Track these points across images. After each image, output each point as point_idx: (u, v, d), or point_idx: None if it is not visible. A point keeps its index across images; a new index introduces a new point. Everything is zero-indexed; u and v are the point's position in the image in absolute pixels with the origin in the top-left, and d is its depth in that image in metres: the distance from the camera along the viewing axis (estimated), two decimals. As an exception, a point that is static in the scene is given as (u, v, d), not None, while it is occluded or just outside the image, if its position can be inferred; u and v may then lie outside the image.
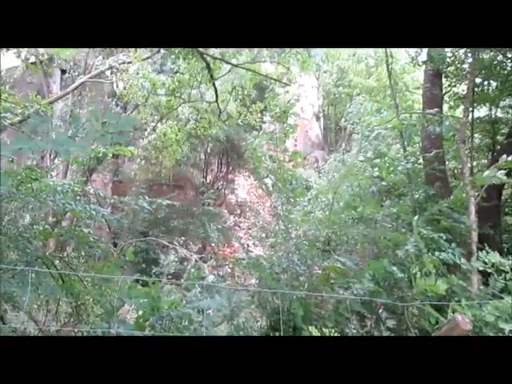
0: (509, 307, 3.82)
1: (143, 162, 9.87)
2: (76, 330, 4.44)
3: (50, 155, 11.68)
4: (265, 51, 7.09)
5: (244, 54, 7.03)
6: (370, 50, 14.55)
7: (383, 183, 6.14)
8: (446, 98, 7.15)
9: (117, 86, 9.98)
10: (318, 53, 14.88)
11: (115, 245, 11.40)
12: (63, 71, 12.34)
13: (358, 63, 14.29)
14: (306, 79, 17.49)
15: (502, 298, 3.92)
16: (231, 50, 6.70)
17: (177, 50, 5.52)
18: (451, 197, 4.68)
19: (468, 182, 4.61)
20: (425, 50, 6.49)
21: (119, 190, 13.25)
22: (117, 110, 10.08)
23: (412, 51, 6.61)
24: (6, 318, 4.56)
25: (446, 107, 7.45)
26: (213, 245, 13.92)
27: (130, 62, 6.44)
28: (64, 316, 5.02)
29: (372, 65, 14.52)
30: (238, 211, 15.70)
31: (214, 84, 5.31)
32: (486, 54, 6.70)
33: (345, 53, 14.82)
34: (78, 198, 3.83)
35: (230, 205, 15.85)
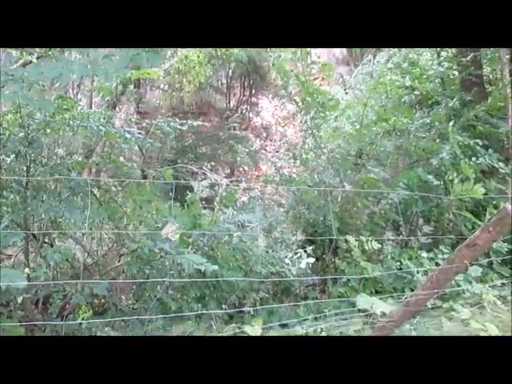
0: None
1: (167, 87, 9.68)
2: (122, 252, 4.71)
3: (73, 89, 11.64)
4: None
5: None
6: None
7: (415, 92, 5.92)
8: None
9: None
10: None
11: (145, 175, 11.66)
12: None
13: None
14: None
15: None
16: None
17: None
18: (488, 101, 4.48)
19: (507, 83, 4.39)
20: None
21: (144, 120, 13.26)
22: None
23: None
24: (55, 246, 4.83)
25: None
26: (241, 169, 14.10)
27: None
28: (108, 241, 5.30)
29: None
30: (264, 134, 15.58)
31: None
32: None
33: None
34: (111, 125, 3.85)
35: (256, 128, 15.70)
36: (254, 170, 14.25)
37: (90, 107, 10.93)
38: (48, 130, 4.22)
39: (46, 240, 4.45)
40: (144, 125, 5.31)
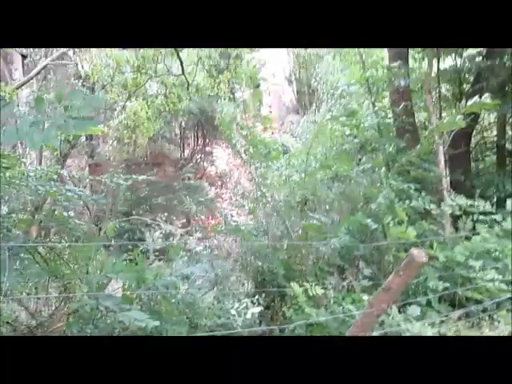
0: (477, 246, 4.04)
1: (115, 142, 9.79)
2: (66, 308, 4.55)
3: (22, 144, 11.45)
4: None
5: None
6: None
7: (355, 140, 6.25)
8: (411, 51, 7.19)
9: (82, 67, 9.73)
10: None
11: (99, 228, 11.43)
12: (24, 56, 11.95)
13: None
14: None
15: (469, 239, 4.13)
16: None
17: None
18: (418, 146, 4.82)
19: (434, 131, 4.75)
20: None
21: (97, 172, 13.08)
22: (83, 92, 9.87)
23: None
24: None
25: (412, 61, 7.52)
26: (197, 218, 14.07)
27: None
28: (55, 301, 5.11)
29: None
30: (219, 182, 15.74)
31: (178, 56, 5.27)
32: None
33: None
34: (53, 182, 3.84)
35: (210, 177, 15.85)
36: (211, 219, 14.26)
37: (40, 162, 10.75)
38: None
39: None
40: (91, 183, 5.29)
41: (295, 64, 18.10)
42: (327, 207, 5.50)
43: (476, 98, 4.35)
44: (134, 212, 12.84)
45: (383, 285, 1.96)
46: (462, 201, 4.28)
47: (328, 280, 3.77)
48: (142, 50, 5.91)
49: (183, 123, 15.23)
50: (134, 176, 4.80)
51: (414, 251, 1.86)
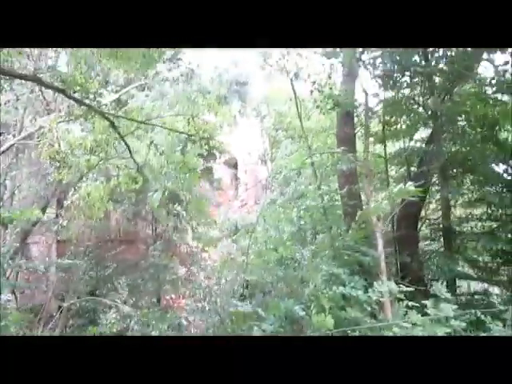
0: (407, 333, 3.94)
1: (65, 222, 9.89)
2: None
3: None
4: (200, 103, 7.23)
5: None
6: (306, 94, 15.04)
7: (301, 222, 6.32)
8: (359, 135, 7.51)
9: (58, 145, 9.95)
10: (255, 98, 15.48)
11: (59, 308, 11.05)
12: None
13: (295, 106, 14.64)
14: (251, 124, 17.99)
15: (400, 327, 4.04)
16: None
17: (82, 111, 5.71)
18: (349, 231, 4.86)
19: (362, 216, 4.83)
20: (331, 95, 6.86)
21: (64, 249, 12.89)
22: (51, 170, 10.07)
23: (319, 99, 6.98)
24: None
25: (361, 145, 7.83)
26: (167, 297, 13.67)
27: (43, 127, 6.53)
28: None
29: (310, 107, 14.87)
30: (190, 261, 15.52)
31: (123, 140, 5.45)
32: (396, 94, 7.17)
33: (282, 97, 15.30)
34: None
35: (182, 254, 15.65)
36: (182, 298, 13.87)
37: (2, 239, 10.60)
38: None
39: None
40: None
41: (268, 144, 18.68)
42: (269, 290, 5.42)
43: (401, 185, 4.48)
44: (98, 292, 12.50)
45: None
46: (390, 286, 4.24)
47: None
48: (95, 134, 6.14)
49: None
50: (76, 261, 4.70)
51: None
